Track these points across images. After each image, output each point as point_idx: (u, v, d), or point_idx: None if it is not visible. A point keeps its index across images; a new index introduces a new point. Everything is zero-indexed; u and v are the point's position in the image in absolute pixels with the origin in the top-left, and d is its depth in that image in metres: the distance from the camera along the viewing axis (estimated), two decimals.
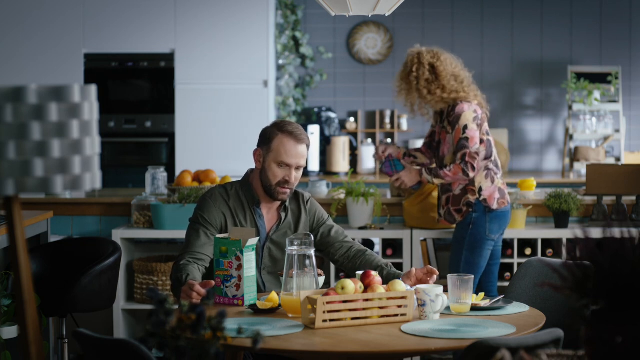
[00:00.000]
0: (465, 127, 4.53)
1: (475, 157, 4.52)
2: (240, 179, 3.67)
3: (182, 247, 3.57)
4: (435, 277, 3.32)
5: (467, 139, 4.53)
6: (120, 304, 5.05)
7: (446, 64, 4.63)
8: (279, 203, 3.61)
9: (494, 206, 4.57)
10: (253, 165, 3.65)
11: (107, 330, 5.13)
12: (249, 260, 3.25)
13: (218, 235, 3.30)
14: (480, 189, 4.60)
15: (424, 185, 4.93)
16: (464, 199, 4.62)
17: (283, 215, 3.61)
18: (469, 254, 4.59)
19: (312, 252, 3.12)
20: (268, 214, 3.61)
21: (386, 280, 3.33)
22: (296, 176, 3.54)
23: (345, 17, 7.18)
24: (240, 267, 3.21)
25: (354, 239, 3.75)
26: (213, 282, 3.20)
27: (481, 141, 4.59)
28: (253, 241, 3.26)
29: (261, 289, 3.53)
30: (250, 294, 3.24)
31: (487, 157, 4.61)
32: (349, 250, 3.62)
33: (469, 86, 4.64)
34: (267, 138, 3.55)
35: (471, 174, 4.52)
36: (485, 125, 4.62)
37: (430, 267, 3.33)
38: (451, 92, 4.58)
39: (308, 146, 3.56)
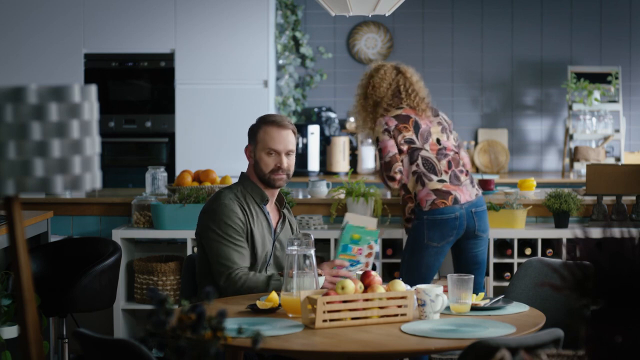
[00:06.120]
0: (377, 139, 4.58)
1: (390, 166, 4.53)
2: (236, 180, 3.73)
3: (219, 262, 3.48)
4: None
5: (380, 150, 4.57)
6: (120, 304, 5.05)
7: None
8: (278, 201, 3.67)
9: (426, 208, 4.51)
10: None
11: (107, 330, 5.13)
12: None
13: (351, 223, 3.39)
14: (415, 195, 4.56)
15: None
16: (407, 208, 4.62)
17: (285, 212, 3.69)
18: (409, 257, 4.57)
19: (312, 252, 3.13)
20: (272, 212, 3.66)
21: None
22: (288, 162, 3.59)
23: (345, 17, 7.18)
24: (370, 254, 3.42)
25: None
26: (347, 263, 3.40)
27: (400, 151, 4.56)
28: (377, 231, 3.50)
29: None
30: None
31: (413, 162, 4.57)
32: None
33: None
34: (253, 132, 3.65)
35: (390, 183, 4.56)
36: (408, 134, 4.56)
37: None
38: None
39: (294, 132, 3.62)
